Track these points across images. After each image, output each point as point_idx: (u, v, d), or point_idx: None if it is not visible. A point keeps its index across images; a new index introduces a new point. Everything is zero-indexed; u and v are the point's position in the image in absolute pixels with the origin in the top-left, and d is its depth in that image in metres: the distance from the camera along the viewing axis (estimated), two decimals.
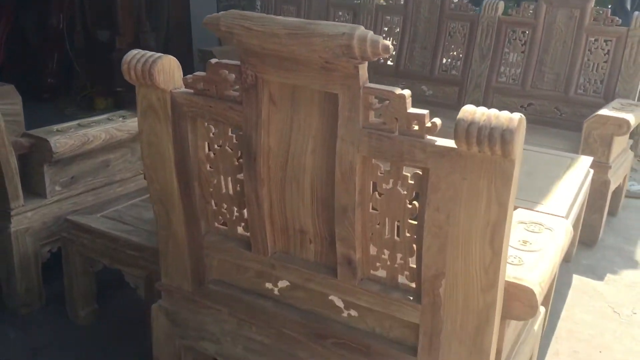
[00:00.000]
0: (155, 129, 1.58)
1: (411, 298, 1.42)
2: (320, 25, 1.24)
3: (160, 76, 1.50)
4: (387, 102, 1.28)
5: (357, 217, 1.39)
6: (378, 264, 1.46)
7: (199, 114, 1.52)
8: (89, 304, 2.32)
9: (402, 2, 4.03)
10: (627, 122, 2.91)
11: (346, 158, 1.34)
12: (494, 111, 1.16)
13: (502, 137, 1.13)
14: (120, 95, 5.00)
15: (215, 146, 1.56)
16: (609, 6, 3.97)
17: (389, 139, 1.29)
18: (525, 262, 1.53)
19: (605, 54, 3.44)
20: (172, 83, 1.53)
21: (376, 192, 1.38)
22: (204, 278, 1.73)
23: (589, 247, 3.09)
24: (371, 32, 1.20)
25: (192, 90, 1.51)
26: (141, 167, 2.65)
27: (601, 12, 3.43)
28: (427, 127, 1.25)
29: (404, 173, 1.32)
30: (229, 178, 1.58)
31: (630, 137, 3.60)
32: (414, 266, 1.40)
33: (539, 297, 1.43)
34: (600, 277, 2.82)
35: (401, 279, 1.45)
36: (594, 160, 2.91)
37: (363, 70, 1.27)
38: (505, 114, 1.15)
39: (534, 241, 1.65)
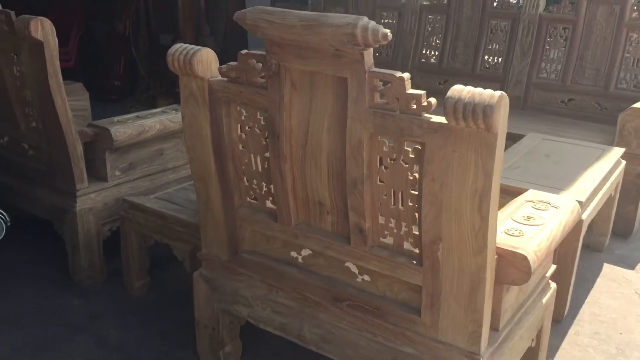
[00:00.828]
0: (195, 113, 1.80)
1: (414, 262, 1.58)
2: (330, 17, 1.43)
3: (199, 66, 1.72)
4: (390, 84, 1.45)
5: (366, 188, 1.57)
6: (386, 232, 1.63)
7: (232, 99, 1.73)
8: (143, 277, 2.57)
9: (445, 2, 4.15)
10: None
11: (355, 135, 1.52)
12: (478, 89, 1.32)
13: (483, 112, 1.28)
14: (179, 95, 5.31)
15: (246, 128, 1.77)
16: None
17: (391, 116, 1.46)
18: (525, 233, 1.67)
19: None
20: (209, 72, 1.74)
21: (382, 166, 1.55)
22: (238, 248, 1.94)
23: (623, 238, 3.13)
24: (373, 22, 1.38)
25: (226, 78, 1.73)
26: None
27: None
28: (424, 105, 1.41)
29: (406, 148, 1.49)
30: (258, 156, 1.78)
31: None
32: (417, 233, 1.56)
33: (533, 264, 1.56)
34: (631, 267, 2.87)
35: (406, 245, 1.61)
36: (628, 152, 2.99)
37: (368, 56, 1.44)
38: (488, 92, 1.30)
39: (538, 217, 1.78)
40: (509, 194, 2.15)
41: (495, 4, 3.97)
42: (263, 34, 1.55)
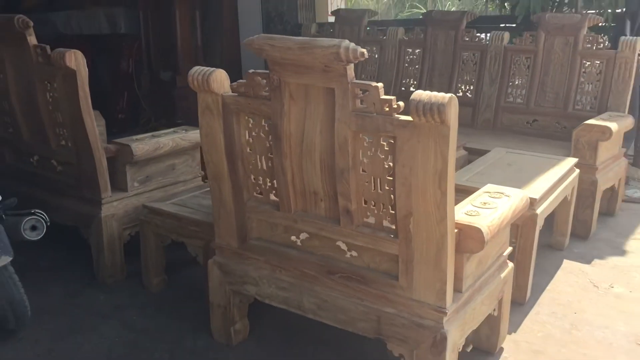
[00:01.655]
0: (211, 123, 2.20)
1: (392, 236, 1.97)
2: (319, 41, 1.85)
3: (214, 84, 2.12)
4: (367, 92, 1.86)
5: (351, 177, 1.96)
6: (368, 213, 2.02)
7: (241, 109, 2.13)
8: (160, 274, 2.93)
9: (421, 36, 4.63)
10: (609, 129, 3.39)
11: (341, 134, 1.92)
12: (434, 93, 1.73)
13: (437, 109, 1.69)
14: (180, 125, 5.74)
15: (253, 133, 2.17)
16: (610, 34, 4.44)
17: (370, 118, 1.86)
18: (481, 214, 2.07)
19: (597, 74, 3.93)
20: (222, 89, 2.15)
21: (364, 158, 1.95)
22: (247, 236, 2.32)
23: (583, 240, 3.53)
24: (352, 44, 1.80)
25: (236, 93, 2.13)
26: (199, 170, 3.30)
27: (591, 37, 3.94)
28: (394, 107, 1.82)
29: (381, 142, 1.89)
30: (263, 157, 2.18)
31: None
32: (393, 212, 1.95)
33: (486, 235, 1.95)
34: (588, 262, 3.26)
35: (385, 223, 2.00)
36: (582, 163, 3.42)
37: (350, 70, 1.85)
38: (440, 94, 1.71)
39: (492, 203, 2.18)
40: None
41: (466, 38, 4.44)
42: (267, 55, 1.97)
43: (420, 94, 1.73)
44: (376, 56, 4.84)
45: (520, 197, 2.27)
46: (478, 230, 1.95)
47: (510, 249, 2.38)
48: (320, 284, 2.18)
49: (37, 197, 3.11)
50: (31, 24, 2.82)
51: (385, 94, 1.83)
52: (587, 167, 3.44)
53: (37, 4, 6.74)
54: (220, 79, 2.14)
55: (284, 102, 2.01)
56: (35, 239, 2.45)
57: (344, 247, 2.12)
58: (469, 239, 1.97)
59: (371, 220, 2.03)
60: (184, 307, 2.76)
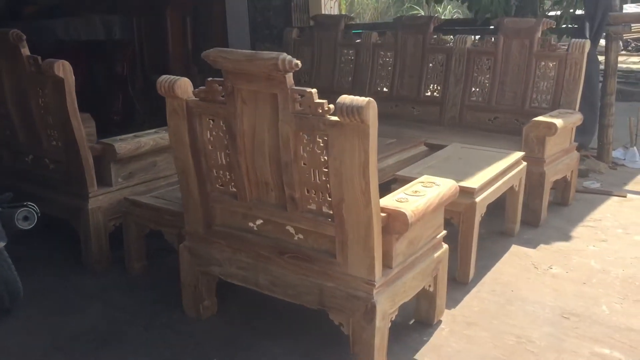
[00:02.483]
0: (177, 124, 2.52)
1: (330, 220, 2.29)
2: (263, 54, 2.16)
3: (178, 90, 2.44)
4: (304, 96, 2.17)
5: (294, 169, 2.28)
6: (310, 200, 2.34)
7: (202, 112, 2.45)
8: (141, 260, 3.26)
9: (393, 40, 4.94)
10: (555, 125, 3.69)
11: (284, 132, 2.24)
12: (356, 97, 2.04)
13: (357, 110, 2.00)
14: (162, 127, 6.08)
15: (213, 133, 2.48)
16: (571, 36, 4.74)
17: (307, 118, 2.18)
18: (409, 200, 2.38)
19: (551, 74, 4.24)
20: (186, 94, 2.47)
21: (304, 153, 2.26)
22: (211, 223, 2.64)
23: (533, 227, 3.83)
24: (289, 56, 2.11)
25: (198, 98, 2.45)
26: None
27: (545, 40, 4.25)
28: (326, 110, 2.14)
29: (317, 139, 2.21)
30: (222, 153, 2.49)
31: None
32: (330, 199, 2.27)
33: (410, 219, 2.26)
34: (534, 247, 3.57)
35: (324, 209, 2.31)
36: (532, 156, 3.73)
37: (289, 78, 2.17)
38: (360, 98, 2.02)
39: (422, 191, 2.49)
40: None
41: (432, 41, 4.75)
42: (221, 66, 2.29)
43: (344, 98, 2.05)
44: (352, 59, 5.16)
45: (449, 186, 2.59)
46: (403, 215, 2.27)
47: (444, 232, 2.69)
48: (273, 263, 2.50)
49: (32, 193, 3.43)
50: (24, 37, 3.15)
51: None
52: (535, 160, 3.75)
53: (38, 12, 7.09)
54: (184, 86, 2.46)
55: (237, 106, 2.33)
56: (28, 228, 2.78)
57: (292, 230, 2.44)
58: (396, 222, 2.28)
59: (313, 206, 2.35)
60: (161, 288, 3.09)
